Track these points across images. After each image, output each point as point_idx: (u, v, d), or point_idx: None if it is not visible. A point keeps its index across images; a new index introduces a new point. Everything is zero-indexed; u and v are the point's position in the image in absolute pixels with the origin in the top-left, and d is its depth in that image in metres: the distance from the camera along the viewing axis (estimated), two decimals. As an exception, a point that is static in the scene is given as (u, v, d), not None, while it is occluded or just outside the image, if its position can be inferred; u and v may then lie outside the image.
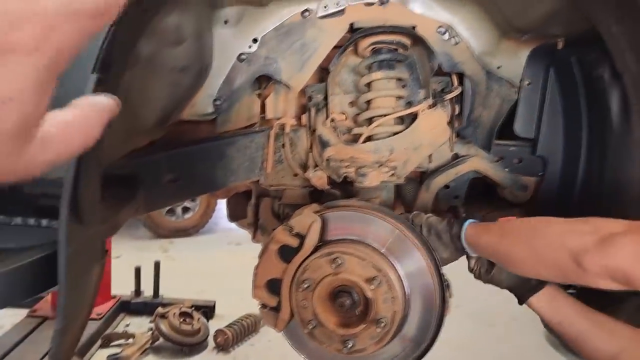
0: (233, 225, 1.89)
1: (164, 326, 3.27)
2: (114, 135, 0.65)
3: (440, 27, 1.29)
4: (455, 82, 1.37)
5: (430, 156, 1.46)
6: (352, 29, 1.31)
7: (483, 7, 1.27)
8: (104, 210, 1.03)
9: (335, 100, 1.42)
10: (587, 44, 1.19)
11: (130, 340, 3.29)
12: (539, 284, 1.20)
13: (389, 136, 1.37)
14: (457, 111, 1.38)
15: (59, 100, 0.35)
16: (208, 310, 3.72)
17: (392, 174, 1.40)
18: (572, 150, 1.33)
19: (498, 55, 1.33)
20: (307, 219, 1.23)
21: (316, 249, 1.22)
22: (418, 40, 1.34)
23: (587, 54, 1.23)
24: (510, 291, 1.26)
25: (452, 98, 1.37)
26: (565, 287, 1.24)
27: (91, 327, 3.25)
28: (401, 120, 1.39)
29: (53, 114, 0.35)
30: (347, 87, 1.42)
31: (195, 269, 4.80)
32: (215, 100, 1.33)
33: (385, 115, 1.35)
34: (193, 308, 3.52)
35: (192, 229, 6.16)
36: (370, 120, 1.38)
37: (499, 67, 1.33)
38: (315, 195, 1.55)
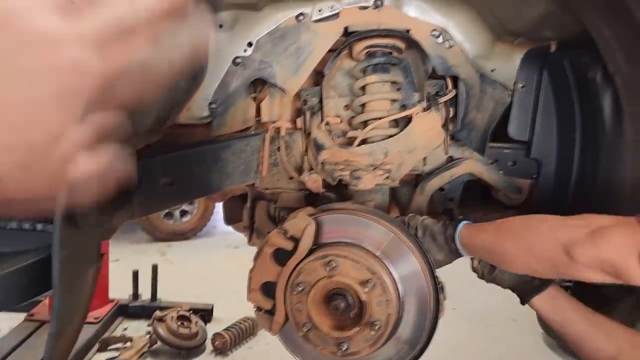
0: (231, 228, 1.89)
1: (161, 330, 3.26)
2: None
3: (434, 30, 1.29)
4: (450, 85, 1.38)
5: (424, 159, 1.46)
6: (347, 33, 1.31)
7: (477, 11, 1.28)
8: (99, 214, 1.03)
9: (330, 103, 1.43)
10: (580, 46, 1.20)
11: (128, 344, 3.29)
12: (541, 284, 1.21)
13: (384, 139, 1.37)
14: (451, 114, 1.39)
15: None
16: (206, 314, 3.72)
17: (387, 177, 1.40)
18: (565, 152, 1.34)
19: (492, 58, 1.33)
20: (301, 222, 1.23)
21: (311, 252, 1.22)
22: (412, 44, 1.34)
23: (579, 57, 1.24)
24: (513, 291, 1.27)
25: (447, 101, 1.37)
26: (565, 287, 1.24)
27: (89, 331, 3.25)
28: (396, 123, 1.40)
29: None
30: (342, 90, 1.43)
31: (193, 272, 4.80)
32: (210, 103, 1.33)
33: (379, 118, 1.36)
34: (191, 311, 3.52)
35: (190, 232, 6.16)
36: (365, 123, 1.38)
37: (492, 70, 1.33)
38: (311, 199, 1.55)
